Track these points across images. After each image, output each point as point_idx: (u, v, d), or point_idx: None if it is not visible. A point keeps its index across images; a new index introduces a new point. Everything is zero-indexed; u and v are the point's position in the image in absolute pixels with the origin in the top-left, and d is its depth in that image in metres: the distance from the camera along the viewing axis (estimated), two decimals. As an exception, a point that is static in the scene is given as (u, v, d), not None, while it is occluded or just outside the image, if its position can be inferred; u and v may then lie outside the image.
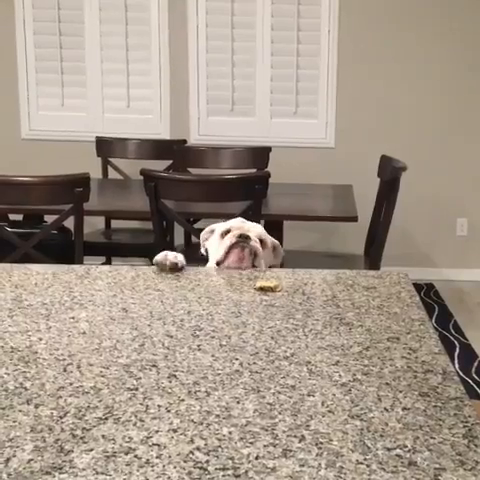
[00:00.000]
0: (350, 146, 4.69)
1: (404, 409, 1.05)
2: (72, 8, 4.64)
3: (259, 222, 3.12)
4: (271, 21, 4.58)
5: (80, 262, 3.18)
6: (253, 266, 1.79)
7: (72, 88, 4.75)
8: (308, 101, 4.67)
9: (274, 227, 3.53)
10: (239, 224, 1.87)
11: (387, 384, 1.14)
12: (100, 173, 4.38)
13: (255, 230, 1.86)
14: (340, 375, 1.17)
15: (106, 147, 4.43)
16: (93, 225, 4.26)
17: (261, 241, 1.83)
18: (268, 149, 4.08)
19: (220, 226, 1.89)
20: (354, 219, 3.08)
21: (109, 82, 4.74)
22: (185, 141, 4.47)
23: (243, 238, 1.79)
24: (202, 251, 1.94)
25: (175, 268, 1.75)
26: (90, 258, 4.13)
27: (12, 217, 3.65)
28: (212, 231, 1.92)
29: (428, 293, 4.61)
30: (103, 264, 4.29)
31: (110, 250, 4.34)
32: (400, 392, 1.11)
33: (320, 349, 1.28)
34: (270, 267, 1.84)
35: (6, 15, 4.66)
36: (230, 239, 1.80)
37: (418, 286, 4.57)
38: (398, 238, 4.54)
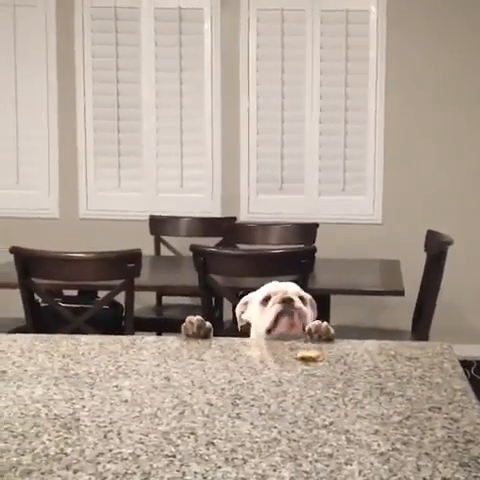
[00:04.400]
0: (397, 222, 4.70)
1: (444, 479, 1.03)
2: (130, 93, 4.84)
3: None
4: (319, 102, 4.70)
5: (131, 336, 3.21)
6: (303, 329, 1.78)
7: (128, 170, 4.90)
8: (356, 178, 4.73)
9: (321, 301, 3.53)
10: (275, 288, 1.86)
11: (427, 454, 1.12)
12: (153, 250, 4.47)
13: (293, 290, 1.86)
14: (379, 444, 1.16)
15: (159, 225, 4.53)
16: (144, 301, 4.32)
17: (301, 298, 1.84)
18: (315, 225, 4.12)
19: (255, 295, 1.89)
20: (400, 293, 3.06)
21: (164, 163, 4.88)
22: (235, 218, 4.54)
23: (287, 302, 1.80)
24: (239, 326, 1.91)
25: (202, 327, 1.77)
26: (141, 334, 4.18)
27: (67, 293, 3.74)
28: (246, 303, 1.91)
29: (479, 370, 4.49)
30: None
31: (160, 326, 4.39)
32: (440, 462, 1.09)
33: (359, 418, 1.27)
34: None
35: (67, 100, 4.88)
36: (275, 307, 1.80)
37: (468, 363, 4.45)
38: (447, 313, 4.46)
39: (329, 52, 4.69)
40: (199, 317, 1.80)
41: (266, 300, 1.84)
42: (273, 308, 1.81)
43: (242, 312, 1.91)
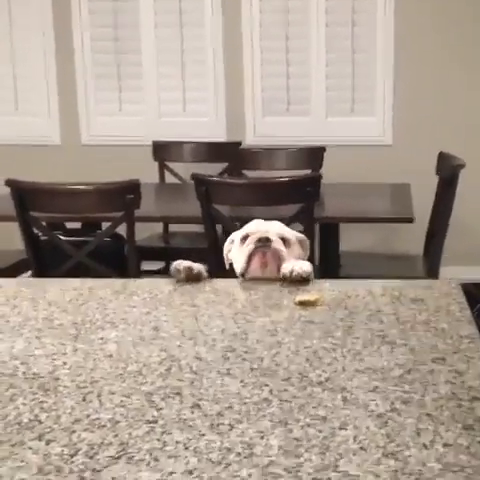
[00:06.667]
0: (408, 143, 4.53)
1: (445, 445, 0.95)
2: (128, 13, 4.63)
3: (312, 225, 3.04)
4: (325, 18, 4.47)
5: (134, 269, 3.15)
6: (279, 271, 1.66)
7: (129, 93, 4.74)
8: (364, 98, 4.53)
9: (330, 229, 3.43)
10: (256, 227, 1.73)
11: (428, 415, 1.04)
12: (157, 177, 4.36)
13: (274, 230, 1.72)
14: (377, 404, 1.07)
15: (162, 151, 4.40)
16: (152, 229, 4.24)
17: (283, 240, 1.70)
18: (322, 149, 3.97)
19: (238, 233, 1.76)
20: (409, 220, 2.96)
21: (165, 86, 4.71)
22: (240, 143, 4.40)
23: (263, 242, 1.67)
24: (226, 264, 1.77)
25: (191, 275, 1.66)
26: (148, 263, 4.12)
27: (70, 226, 3.65)
28: (233, 241, 1.78)
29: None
30: (161, 269, 4.27)
31: (167, 255, 4.32)
32: (442, 424, 1.01)
33: (358, 372, 1.18)
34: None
35: (64, 22, 4.68)
36: (249, 246, 1.68)
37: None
38: (460, 236, 4.34)
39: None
40: (186, 265, 1.68)
41: (245, 239, 1.71)
42: (245, 248, 1.69)
43: (229, 250, 1.78)
